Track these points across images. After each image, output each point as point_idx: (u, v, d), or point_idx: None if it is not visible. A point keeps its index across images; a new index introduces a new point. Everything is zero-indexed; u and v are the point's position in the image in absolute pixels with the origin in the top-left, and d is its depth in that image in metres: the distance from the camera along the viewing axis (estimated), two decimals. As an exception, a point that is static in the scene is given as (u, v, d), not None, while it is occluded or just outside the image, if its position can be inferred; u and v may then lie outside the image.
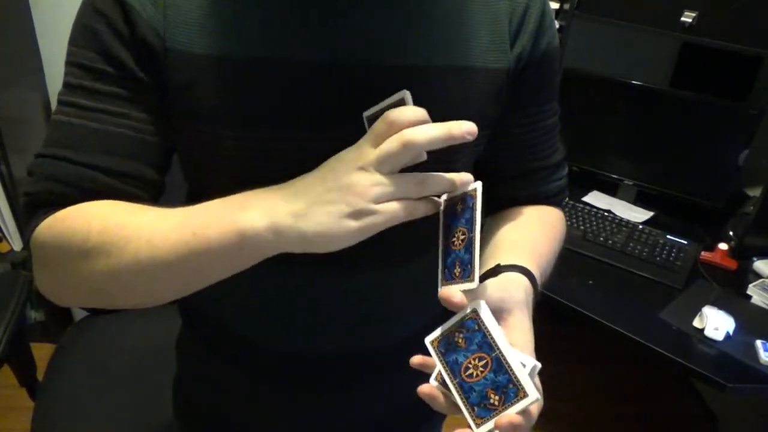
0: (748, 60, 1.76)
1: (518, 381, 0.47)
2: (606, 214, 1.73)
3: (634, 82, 1.74)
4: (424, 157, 0.50)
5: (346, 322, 0.66)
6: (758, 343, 1.27)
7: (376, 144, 0.48)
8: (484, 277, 0.56)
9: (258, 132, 0.56)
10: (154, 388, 1.15)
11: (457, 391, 0.50)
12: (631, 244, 1.59)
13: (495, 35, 0.61)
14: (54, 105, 0.57)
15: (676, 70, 1.94)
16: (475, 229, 0.50)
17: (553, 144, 0.73)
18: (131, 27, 0.53)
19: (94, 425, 1.15)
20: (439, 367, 0.52)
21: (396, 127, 0.48)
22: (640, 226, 1.67)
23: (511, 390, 0.47)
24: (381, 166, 0.48)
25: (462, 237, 0.51)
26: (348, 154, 0.50)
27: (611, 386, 2.21)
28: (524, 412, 0.47)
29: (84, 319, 1.41)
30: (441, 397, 0.51)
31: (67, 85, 0.56)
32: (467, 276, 0.50)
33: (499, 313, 0.52)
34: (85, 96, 0.55)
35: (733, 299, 1.43)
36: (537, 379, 0.50)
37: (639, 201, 1.84)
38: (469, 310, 0.51)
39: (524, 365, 0.48)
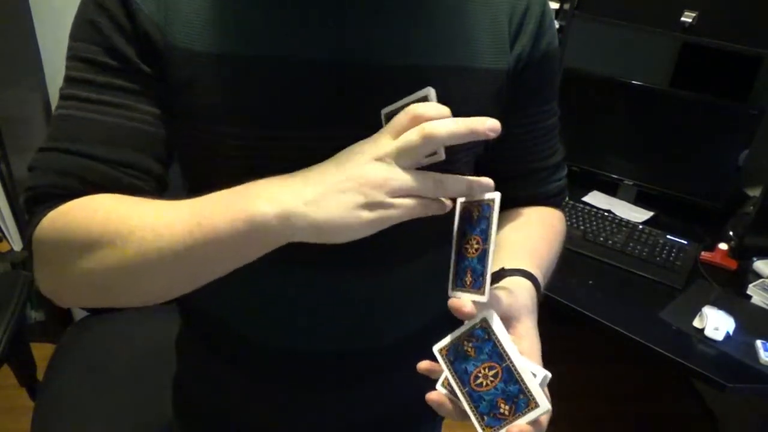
0: (748, 60, 1.76)
1: (529, 391, 0.47)
2: (606, 214, 1.73)
3: (634, 82, 1.74)
4: (443, 156, 0.49)
5: (346, 322, 0.66)
6: (758, 343, 1.27)
7: (396, 136, 0.48)
8: None
9: (258, 131, 0.56)
10: (154, 388, 1.15)
11: (466, 400, 0.50)
12: (631, 244, 1.58)
13: (495, 36, 0.61)
14: (54, 105, 0.57)
15: (676, 70, 1.94)
16: (489, 240, 0.49)
17: (553, 144, 0.73)
18: (133, 22, 0.53)
19: (94, 425, 1.15)
20: (447, 375, 0.52)
21: (419, 121, 0.47)
22: (640, 226, 1.67)
23: (521, 400, 0.47)
24: (399, 158, 0.47)
25: (476, 246, 0.50)
26: (365, 145, 0.49)
27: (611, 386, 2.21)
28: (535, 423, 0.47)
29: (84, 319, 1.41)
30: (449, 404, 0.51)
31: (68, 79, 0.56)
32: (478, 288, 0.50)
33: (507, 320, 0.52)
34: (88, 89, 0.54)
35: (733, 299, 1.43)
36: (546, 389, 0.50)
37: (639, 201, 1.84)
38: (478, 319, 0.51)
39: (535, 375, 0.48)
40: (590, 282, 1.47)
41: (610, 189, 1.87)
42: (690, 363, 1.22)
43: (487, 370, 0.49)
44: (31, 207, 0.56)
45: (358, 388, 0.72)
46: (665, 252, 1.56)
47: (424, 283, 0.68)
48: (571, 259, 1.54)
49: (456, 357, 0.52)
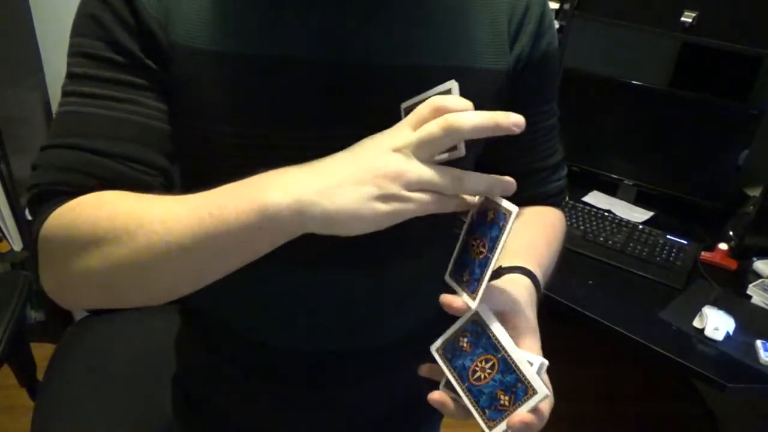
0: (748, 60, 1.76)
1: (526, 379, 0.47)
2: (606, 214, 1.73)
3: (634, 82, 1.74)
4: (463, 152, 0.47)
5: (346, 321, 0.66)
6: (758, 343, 1.27)
7: (416, 128, 0.46)
8: None
9: (257, 130, 0.56)
10: (154, 388, 1.15)
11: (467, 396, 0.50)
12: (631, 244, 1.58)
13: (495, 36, 0.61)
14: (54, 105, 0.57)
15: (676, 70, 1.94)
16: (495, 251, 0.48)
17: (553, 145, 0.74)
18: (137, 17, 0.53)
19: (94, 425, 1.15)
20: (447, 374, 0.52)
21: (441, 113, 0.45)
22: (640, 226, 1.67)
23: (520, 389, 0.47)
24: (418, 150, 0.45)
25: (482, 250, 0.50)
26: (383, 136, 0.48)
27: (611, 386, 2.21)
28: (536, 411, 0.46)
29: (84, 319, 1.41)
30: (451, 404, 0.51)
31: (71, 76, 0.55)
32: (472, 291, 0.50)
33: (503, 315, 0.52)
34: (91, 84, 0.54)
35: (733, 299, 1.43)
36: (546, 377, 0.50)
37: (639, 201, 1.83)
38: (470, 314, 0.51)
39: (531, 363, 0.48)
40: (590, 282, 1.47)
41: (610, 189, 1.87)
42: (690, 363, 1.22)
43: (483, 363, 0.49)
44: (35, 206, 0.54)
45: (358, 388, 0.72)
46: (665, 252, 1.56)
47: (424, 283, 0.68)
48: (571, 259, 1.54)
49: (453, 354, 0.52)
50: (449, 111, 0.45)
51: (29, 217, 0.57)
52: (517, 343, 0.49)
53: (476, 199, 0.52)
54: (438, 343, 0.53)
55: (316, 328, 0.66)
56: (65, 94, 0.55)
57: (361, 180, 0.45)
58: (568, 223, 1.67)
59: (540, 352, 0.51)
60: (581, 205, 1.77)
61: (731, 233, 1.62)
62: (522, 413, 0.46)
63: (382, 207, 0.45)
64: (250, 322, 0.67)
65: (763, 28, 1.41)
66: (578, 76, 1.79)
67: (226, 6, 0.54)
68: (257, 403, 0.73)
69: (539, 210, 0.74)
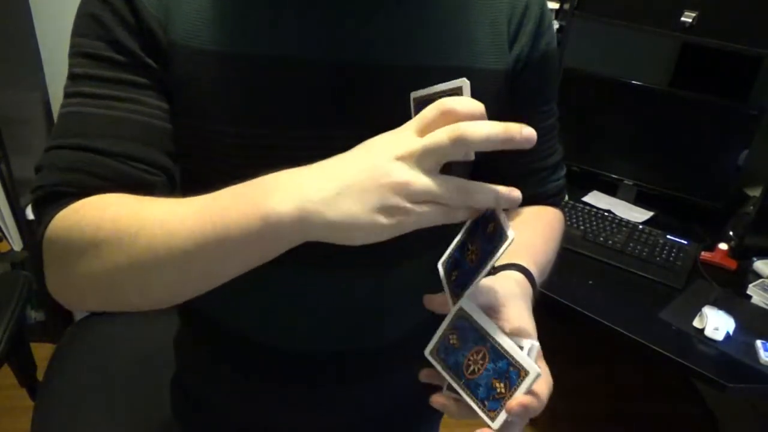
0: (748, 60, 1.76)
1: (516, 361, 0.47)
2: (606, 214, 1.73)
3: (634, 82, 1.74)
4: (472, 156, 0.45)
5: (346, 322, 0.66)
6: (758, 343, 1.27)
7: (422, 132, 0.44)
8: None
9: (257, 130, 0.56)
10: (154, 388, 1.15)
11: (465, 392, 0.50)
12: (631, 244, 1.58)
13: (495, 36, 0.61)
14: (54, 105, 0.57)
15: (676, 70, 1.94)
16: (484, 267, 0.47)
17: (552, 145, 0.74)
18: (137, 17, 0.53)
19: (94, 425, 1.15)
20: (443, 374, 0.52)
21: (450, 118, 0.43)
22: (640, 226, 1.67)
23: (512, 373, 0.47)
24: (424, 158, 0.43)
25: (474, 258, 0.49)
26: (388, 139, 0.45)
27: (611, 386, 2.21)
28: (533, 393, 0.46)
29: (84, 319, 1.41)
30: (453, 404, 0.51)
31: (72, 77, 0.55)
32: (455, 294, 0.50)
33: (492, 308, 0.52)
34: (92, 84, 0.54)
35: (733, 299, 1.43)
36: (543, 363, 0.50)
37: (639, 201, 1.84)
38: (455, 311, 0.51)
39: (521, 347, 0.48)
40: (590, 282, 1.47)
41: (610, 189, 1.87)
42: (690, 363, 1.22)
43: (475, 355, 0.49)
44: (40, 207, 0.54)
45: (359, 388, 0.72)
46: (665, 252, 1.56)
47: (424, 283, 0.67)
48: (571, 259, 1.54)
49: (446, 353, 0.52)
50: (458, 115, 0.43)
51: (29, 217, 0.57)
52: (510, 332, 0.49)
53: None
54: (430, 346, 0.53)
55: (316, 329, 0.66)
56: (67, 95, 0.55)
57: (365, 189, 0.43)
58: (568, 223, 1.67)
59: (535, 337, 0.51)
60: (581, 205, 1.77)
61: (731, 233, 1.62)
62: (519, 396, 0.46)
63: (384, 220, 0.43)
64: (250, 322, 0.67)
65: (763, 28, 1.41)
66: (578, 76, 1.79)
67: (226, 6, 0.54)
68: (257, 403, 0.73)
69: (538, 209, 0.74)
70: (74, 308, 0.54)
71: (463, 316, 0.51)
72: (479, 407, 0.48)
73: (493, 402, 0.48)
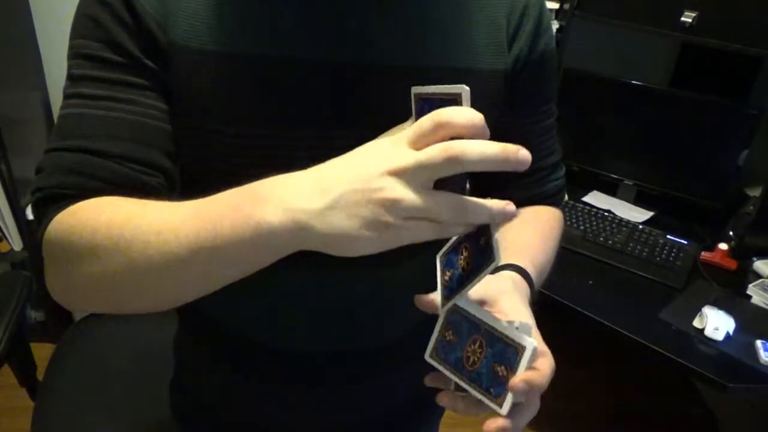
0: (748, 60, 1.75)
1: (511, 339, 0.47)
2: (606, 214, 1.73)
3: (634, 82, 1.74)
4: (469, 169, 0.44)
5: (345, 322, 0.66)
6: (758, 343, 1.27)
7: (417, 145, 0.42)
8: None
9: (257, 130, 0.56)
10: (154, 388, 1.15)
11: (470, 386, 0.49)
12: (631, 244, 1.58)
13: (493, 36, 0.61)
14: (54, 105, 0.57)
15: (676, 70, 1.93)
16: (474, 279, 0.46)
17: (551, 145, 0.74)
18: (136, 17, 0.53)
19: (94, 425, 1.15)
20: (446, 374, 0.52)
21: (447, 131, 0.41)
22: (640, 226, 1.67)
23: (510, 353, 0.47)
24: (416, 174, 0.41)
25: (465, 265, 0.48)
26: (381, 148, 0.44)
27: (611, 386, 2.21)
28: (534, 369, 0.46)
29: (84, 319, 1.41)
30: (460, 401, 0.51)
31: (71, 78, 0.55)
32: (446, 295, 0.50)
33: (487, 303, 0.53)
34: (91, 85, 0.54)
35: (733, 299, 1.43)
36: (540, 338, 0.50)
37: (639, 201, 1.84)
38: (448, 308, 0.51)
39: (517, 328, 0.48)
40: (590, 282, 1.47)
41: (610, 189, 1.87)
42: (690, 363, 1.22)
43: (473, 345, 0.50)
44: (40, 209, 0.54)
45: (358, 389, 0.72)
46: (665, 252, 1.57)
47: (424, 282, 0.68)
48: (571, 259, 1.54)
49: (445, 352, 0.52)
50: (455, 127, 0.41)
51: (29, 217, 0.57)
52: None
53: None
54: (429, 348, 0.53)
55: (316, 329, 0.66)
56: (66, 96, 0.55)
57: (355, 203, 0.42)
58: (568, 223, 1.67)
59: (534, 327, 0.51)
60: (581, 205, 1.77)
61: (731, 233, 1.62)
62: (520, 374, 0.45)
63: (374, 236, 0.42)
64: (250, 322, 0.67)
65: (763, 28, 1.41)
66: (578, 76, 1.79)
67: (226, 6, 0.54)
68: (257, 404, 0.73)
69: (537, 209, 0.74)
70: (74, 308, 0.54)
71: (455, 311, 0.51)
72: (486, 397, 0.48)
73: (498, 388, 0.47)
